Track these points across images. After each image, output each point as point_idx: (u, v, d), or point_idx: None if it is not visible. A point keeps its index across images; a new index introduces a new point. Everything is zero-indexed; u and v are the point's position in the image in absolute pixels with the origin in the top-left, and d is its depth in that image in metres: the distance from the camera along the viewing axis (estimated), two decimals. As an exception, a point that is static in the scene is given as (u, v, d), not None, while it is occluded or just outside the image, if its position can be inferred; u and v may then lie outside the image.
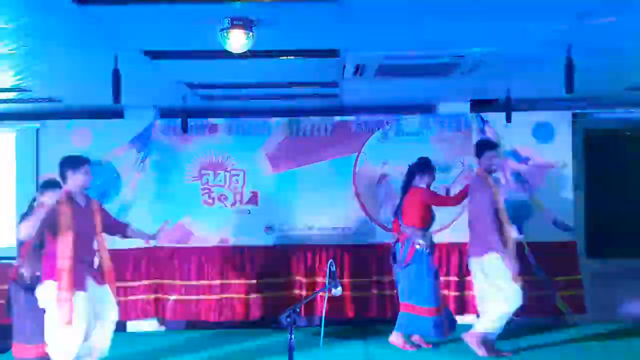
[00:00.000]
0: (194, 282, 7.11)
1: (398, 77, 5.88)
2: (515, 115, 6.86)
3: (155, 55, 5.06)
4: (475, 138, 7.07)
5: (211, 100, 6.96)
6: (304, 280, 7.12)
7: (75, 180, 4.94)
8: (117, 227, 5.34)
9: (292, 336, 3.44)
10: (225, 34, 4.19)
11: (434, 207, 6.12)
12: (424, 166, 6.12)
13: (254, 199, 7.24)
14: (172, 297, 7.09)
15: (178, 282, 7.11)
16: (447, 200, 6.17)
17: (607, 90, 6.67)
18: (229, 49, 4.31)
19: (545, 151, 7.11)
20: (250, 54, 4.56)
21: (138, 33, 4.51)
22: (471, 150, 7.05)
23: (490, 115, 7.15)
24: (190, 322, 7.21)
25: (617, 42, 4.87)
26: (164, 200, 7.11)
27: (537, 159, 7.10)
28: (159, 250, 7.07)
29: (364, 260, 7.15)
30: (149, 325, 7.16)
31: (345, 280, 6.98)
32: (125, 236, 5.39)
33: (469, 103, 7.24)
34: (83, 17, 4.01)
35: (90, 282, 4.91)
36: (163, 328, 7.20)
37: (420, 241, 5.90)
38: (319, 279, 6.99)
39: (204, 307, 7.08)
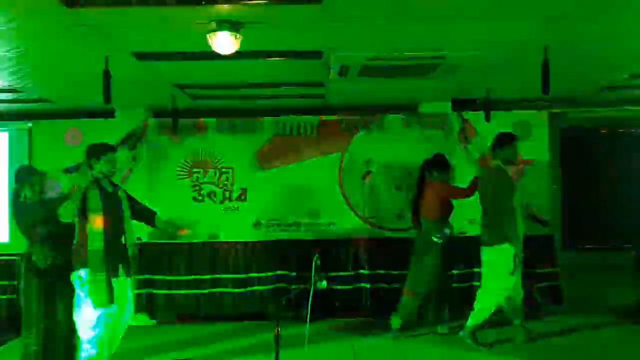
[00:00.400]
0: (183, 277, 7.09)
1: (381, 77, 5.90)
2: (494, 114, 6.91)
3: (145, 56, 5.05)
4: (456, 136, 7.13)
5: (201, 100, 6.95)
6: (292, 274, 7.12)
7: (100, 168, 4.86)
8: (147, 213, 5.22)
9: (279, 329, 3.44)
10: (213, 36, 4.20)
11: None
12: (440, 163, 6.21)
13: (242, 196, 7.23)
14: (162, 292, 7.07)
15: (168, 276, 7.09)
16: (463, 192, 6.16)
17: (581, 90, 6.73)
18: (217, 51, 4.31)
19: (523, 149, 7.14)
20: (238, 55, 4.56)
21: (128, 35, 4.50)
22: (452, 147, 7.14)
23: (470, 114, 7.17)
24: (181, 316, 7.19)
25: (591, 45, 4.92)
26: (154, 197, 7.08)
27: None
28: (151, 245, 7.04)
29: (349, 254, 7.16)
30: (139, 319, 7.12)
31: (330, 274, 6.97)
32: (153, 225, 5.25)
33: (450, 102, 7.26)
34: (74, 19, 4.00)
35: (121, 271, 4.84)
36: (154, 322, 7.17)
37: (438, 235, 5.97)
38: (305, 273, 6.98)
39: (192, 301, 7.06)
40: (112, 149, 4.97)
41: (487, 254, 5.70)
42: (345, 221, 7.20)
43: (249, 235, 7.18)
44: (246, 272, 7.15)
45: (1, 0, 3.70)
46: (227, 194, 7.23)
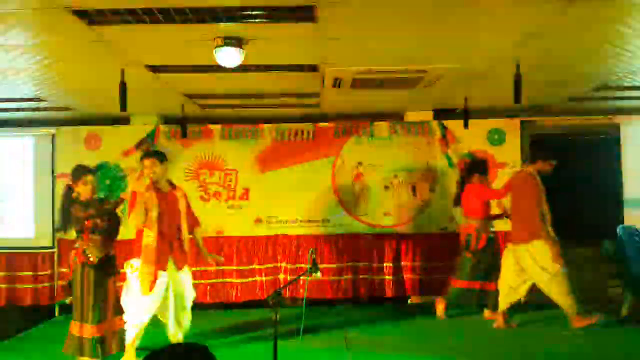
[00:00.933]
0: (193, 269, 7.08)
1: (370, 89, 5.92)
2: (472, 122, 6.93)
3: (157, 69, 5.06)
4: (437, 142, 7.14)
5: (208, 108, 6.96)
6: (288, 266, 7.14)
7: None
8: (191, 220, 5.14)
9: (277, 315, 3.45)
10: (219, 51, 4.21)
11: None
12: (479, 165, 6.25)
13: (245, 196, 7.24)
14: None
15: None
16: (497, 195, 6.14)
17: (550, 100, 6.76)
18: (222, 64, 4.32)
19: (498, 153, 7.18)
20: (241, 69, 4.58)
21: (142, 50, 4.51)
22: (434, 152, 7.16)
23: (450, 122, 7.19)
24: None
25: (559, 59, 4.95)
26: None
27: (491, 159, 7.17)
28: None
29: (341, 248, 7.17)
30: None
31: (325, 265, 7.00)
32: (190, 232, 5.12)
33: (432, 111, 7.28)
34: (94, 36, 4.01)
35: (170, 264, 4.85)
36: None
37: (484, 233, 6.02)
38: (301, 265, 7.01)
39: (200, 290, 7.06)
40: (160, 155, 5.01)
41: (518, 251, 5.66)
42: (338, 218, 7.21)
43: (251, 231, 7.19)
44: (248, 264, 7.16)
45: (28, 18, 3.71)
46: (231, 193, 7.23)
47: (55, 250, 7.12)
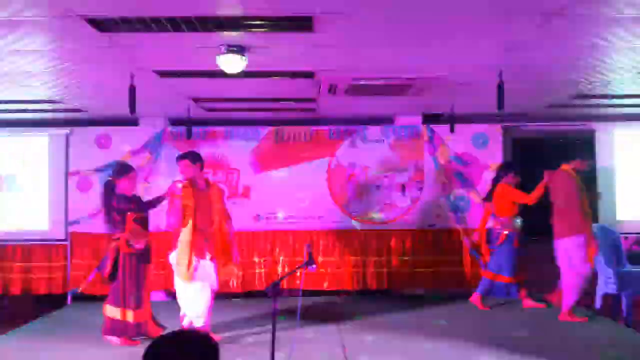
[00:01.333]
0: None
1: (363, 95, 5.92)
2: (457, 126, 6.94)
3: (165, 74, 5.05)
4: (425, 145, 7.15)
5: (211, 111, 6.94)
6: (285, 259, 7.14)
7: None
8: (221, 215, 5.17)
9: (276, 304, 3.45)
10: (223, 58, 4.21)
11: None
12: (507, 168, 6.27)
13: (246, 193, 7.23)
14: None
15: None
16: (524, 198, 6.06)
17: (531, 107, 6.78)
18: (226, 70, 4.32)
19: (481, 156, 7.19)
20: (243, 74, 4.58)
21: (150, 55, 4.50)
22: (422, 154, 7.17)
23: (437, 127, 7.19)
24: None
25: (539, 69, 4.96)
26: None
27: (475, 161, 7.19)
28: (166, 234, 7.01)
29: (335, 242, 7.17)
30: (158, 295, 7.10)
31: (320, 259, 7.00)
32: (221, 226, 5.15)
33: (421, 116, 7.28)
34: (105, 42, 4.00)
35: (207, 254, 4.98)
36: (169, 299, 7.15)
37: (505, 231, 6.07)
38: (298, 258, 7.01)
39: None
40: (196, 156, 5.15)
41: (561, 245, 5.63)
42: (332, 215, 7.20)
43: (251, 226, 7.18)
44: (249, 257, 7.15)
45: (44, 26, 3.70)
46: (233, 191, 7.22)
47: (67, 242, 7.10)
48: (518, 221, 6.17)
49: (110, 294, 5.04)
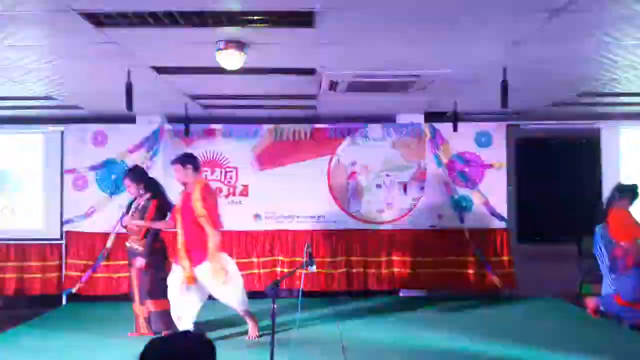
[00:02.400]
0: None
1: (365, 92, 5.90)
2: (460, 125, 6.92)
3: (162, 70, 5.03)
4: (427, 143, 7.14)
5: (210, 108, 6.93)
6: (285, 259, 7.13)
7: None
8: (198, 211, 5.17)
9: (275, 305, 3.44)
10: (222, 54, 4.19)
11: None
12: (623, 190, 5.74)
13: (244, 192, 7.22)
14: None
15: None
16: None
17: (535, 105, 6.77)
18: (225, 66, 4.30)
19: (485, 155, 7.18)
20: (243, 71, 4.56)
21: (148, 52, 4.48)
22: (424, 153, 7.15)
23: (440, 125, 7.18)
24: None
25: (544, 66, 4.95)
26: (168, 192, 7.04)
27: (478, 160, 7.17)
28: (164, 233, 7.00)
29: (335, 242, 7.15)
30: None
31: (320, 259, 6.98)
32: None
33: (423, 114, 7.27)
34: (101, 37, 3.98)
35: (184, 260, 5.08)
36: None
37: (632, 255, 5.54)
38: (297, 259, 7.00)
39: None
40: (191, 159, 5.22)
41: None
42: (332, 215, 7.19)
43: (250, 226, 7.16)
44: (247, 257, 7.14)
45: (39, 20, 3.69)
46: (231, 189, 7.21)
47: (62, 241, 7.08)
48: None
49: (152, 288, 5.15)
